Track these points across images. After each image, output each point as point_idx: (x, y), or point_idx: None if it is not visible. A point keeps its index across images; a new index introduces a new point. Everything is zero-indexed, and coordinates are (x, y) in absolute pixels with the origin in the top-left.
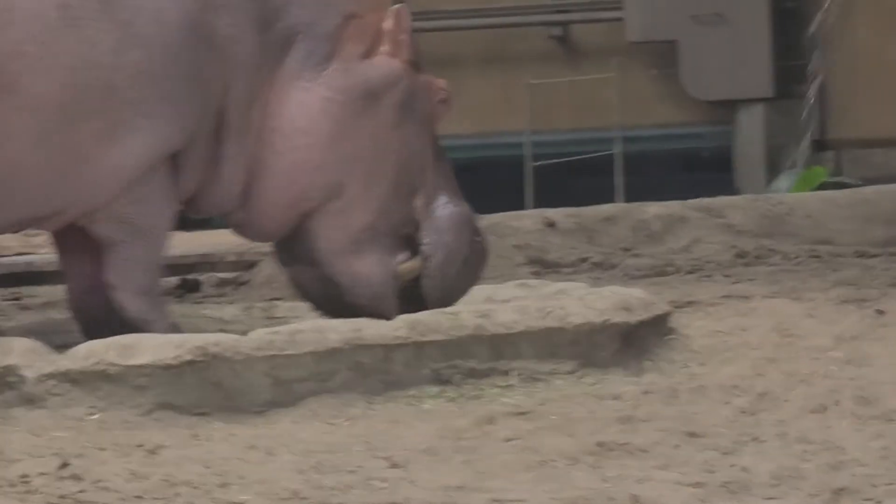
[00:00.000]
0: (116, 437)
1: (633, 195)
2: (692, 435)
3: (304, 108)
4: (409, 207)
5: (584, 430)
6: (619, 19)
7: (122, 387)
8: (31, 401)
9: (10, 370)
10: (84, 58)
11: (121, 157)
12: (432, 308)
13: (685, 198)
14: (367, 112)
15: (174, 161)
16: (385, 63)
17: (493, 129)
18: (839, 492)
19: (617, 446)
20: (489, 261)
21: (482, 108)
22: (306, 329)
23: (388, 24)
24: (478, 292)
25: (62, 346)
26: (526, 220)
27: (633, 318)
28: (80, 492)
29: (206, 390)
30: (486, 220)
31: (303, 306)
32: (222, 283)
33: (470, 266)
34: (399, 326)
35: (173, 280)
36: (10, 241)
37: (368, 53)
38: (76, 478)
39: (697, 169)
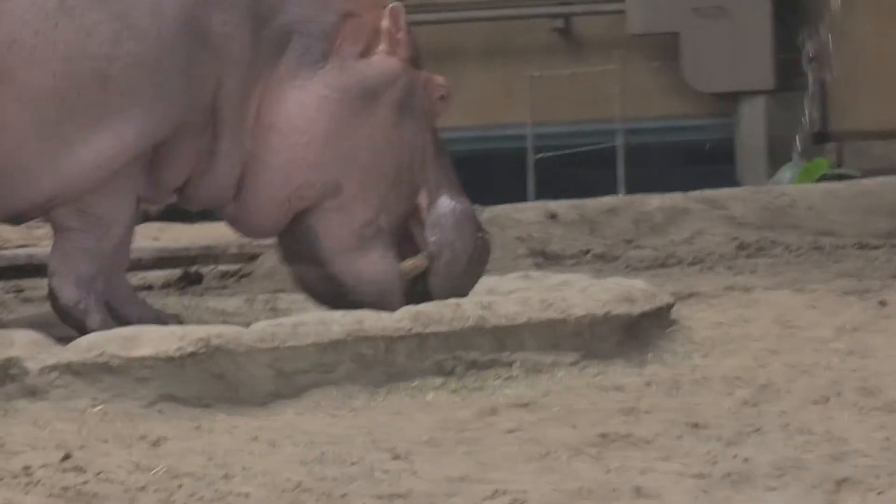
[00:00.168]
0: (119, 428)
1: (634, 187)
2: (695, 426)
3: (301, 106)
4: (411, 205)
5: (587, 421)
6: (620, 12)
7: (125, 379)
8: (33, 393)
9: (12, 362)
10: (80, 48)
11: (112, 146)
12: None
13: (687, 190)
14: (365, 110)
15: (156, 153)
16: (382, 61)
17: (494, 121)
18: (841, 483)
19: (619, 437)
20: (491, 252)
21: (484, 101)
22: (309, 321)
23: (385, 22)
24: (480, 284)
25: (64, 339)
26: (528, 212)
27: (636, 309)
28: (83, 483)
29: (208, 382)
30: (489, 212)
31: (305, 298)
32: (225, 275)
33: (474, 263)
34: (401, 318)
35: (176, 272)
36: (11, 233)
37: (366, 52)
38: (79, 469)
39: (699, 161)
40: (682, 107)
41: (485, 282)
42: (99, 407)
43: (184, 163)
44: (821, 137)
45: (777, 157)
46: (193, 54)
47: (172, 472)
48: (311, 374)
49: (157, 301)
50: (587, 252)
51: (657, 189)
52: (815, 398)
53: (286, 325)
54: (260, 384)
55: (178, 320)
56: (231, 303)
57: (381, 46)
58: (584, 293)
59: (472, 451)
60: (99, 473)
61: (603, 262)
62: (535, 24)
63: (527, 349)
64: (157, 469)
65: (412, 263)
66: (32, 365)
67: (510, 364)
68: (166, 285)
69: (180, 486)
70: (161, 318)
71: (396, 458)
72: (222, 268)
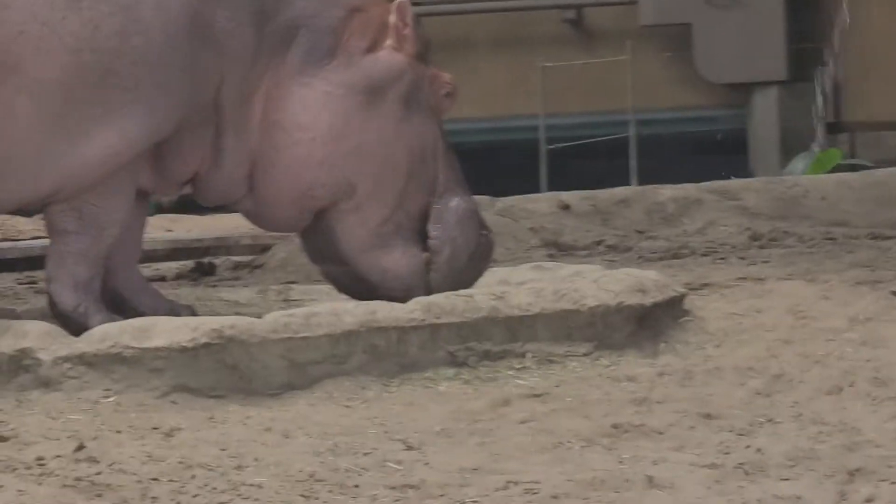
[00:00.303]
0: (132, 419)
1: (647, 178)
2: (707, 416)
3: (306, 103)
4: (427, 199)
5: (599, 411)
6: (632, 2)
7: (138, 369)
8: (46, 384)
9: (25, 353)
10: (87, 41)
11: (115, 141)
12: None
13: (699, 181)
14: (371, 107)
15: (161, 148)
16: (389, 57)
17: (506, 112)
18: (854, 473)
19: (632, 428)
20: (504, 243)
21: (495, 92)
22: (322, 312)
23: (392, 17)
24: (492, 275)
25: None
26: (540, 203)
27: (648, 300)
28: (96, 474)
29: (221, 373)
30: (501, 203)
31: (318, 289)
32: (237, 266)
33: (476, 260)
34: (414, 309)
35: (189, 263)
36: (25, 224)
37: (372, 47)
38: (92, 460)
39: (712, 152)
40: (694, 98)
41: (497, 272)
42: (112, 398)
43: (188, 158)
44: (834, 128)
45: (790, 147)
46: (197, 50)
47: (185, 463)
48: (324, 364)
49: (170, 292)
50: (600, 243)
51: (669, 180)
52: (827, 388)
53: (299, 315)
54: (273, 375)
55: (192, 311)
56: (244, 294)
57: (388, 42)
58: (597, 284)
59: (484, 442)
60: (112, 464)
61: (615, 252)
62: (546, 15)
63: (539, 340)
64: (170, 460)
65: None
66: (46, 356)
67: (523, 355)
68: (179, 276)
69: (193, 476)
70: (174, 309)
71: (409, 448)
72: (235, 259)
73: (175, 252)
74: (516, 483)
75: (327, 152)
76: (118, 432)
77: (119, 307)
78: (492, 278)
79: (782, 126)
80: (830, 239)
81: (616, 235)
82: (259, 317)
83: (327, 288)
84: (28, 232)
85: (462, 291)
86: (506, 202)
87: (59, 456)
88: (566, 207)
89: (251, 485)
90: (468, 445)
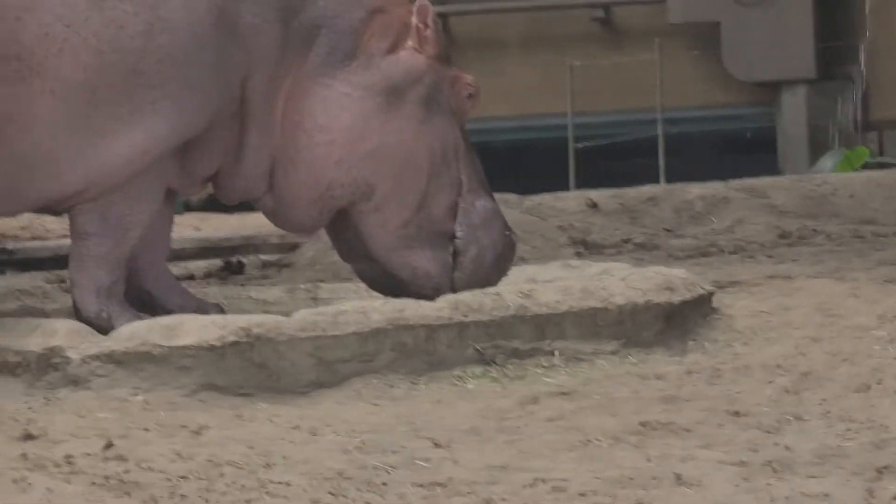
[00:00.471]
0: (160, 417)
1: (675, 177)
2: (735, 414)
3: (325, 103)
4: (451, 200)
5: (628, 409)
6: (661, 1)
7: (166, 368)
8: (75, 382)
9: (54, 351)
10: (111, 41)
11: (142, 140)
12: None
13: (728, 179)
14: (391, 108)
15: (186, 145)
16: (409, 58)
17: (535, 111)
18: (882, 470)
19: (660, 426)
20: (532, 241)
21: (524, 91)
22: (350, 310)
23: (413, 18)
24: (521, 273)
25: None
26: (569, 202)
27: (676, 298)
28: (125, 472)
29: (249, 371)
30: (530, 202)
31: (346, 287)
32: (266, 265)
33: (500, 260)
34: (442, 307)
35: (217, 262)
36: (54, 224)
37: (393, 48)
38: (120, 458)
39: (740, 150)
40: (722, 96)
41: (525, 270)
42: (140, 396)
43: (213, 154)
44: (862, 126)
45: (818, 145)
46: (223, 47)
47: (214, 461)
48: (352, 362)
49: (198, 291)
50: (628, 241)
51: (697, 179)
52: (856, 386)
53: (327, 314)
54: (301, 373)
55: (220, 309)
56: (272, 292)
57: (409, 43)
58: (625, 282)
59: (512, 440)
60: (140, 462)
61: (643, 251)
62: (575, 14)
63: (567, 338)
64: (199, 458)
65: None
66: (74, 354)
67: (551, 353)
68: (208, 275)
69: (221, 474)
70: (202, 308)
71: (437, 446)
72: (263, 258)
73: (204, 251)
74: (544, 481)
75: (346, 153)
76: (146, 430)
77: (148, 305)
78: (520, 276)
79: (811, 124)
80: (859, 237)
81: (644, 234)
82: (287, 315)
83: (356, 286)
84: (57, 231)
85: (490, 289)
86: (534, 200)
87: (87, 454)
88: (594, 206)
89: (279, 483)
90: (496, 443)
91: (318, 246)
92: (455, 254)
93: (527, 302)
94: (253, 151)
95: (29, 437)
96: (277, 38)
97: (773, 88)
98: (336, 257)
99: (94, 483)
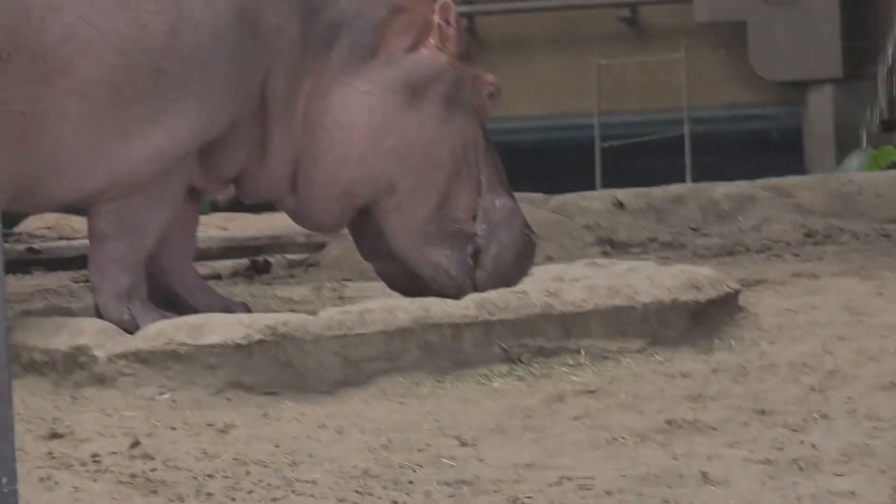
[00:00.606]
0: (187, 416)
1: (701, 176)
2: (761, 412)
3: (345, 102)
4: (471, 198)
5: (654, 407)
6: (687, 0)
7: (193, 366)
8: (101, 381)
9: (81, 350)
10: (135, 40)
11: (165, 140)
12: None
13: (754, 179)
14: (411, 106)
15: (208, 145)
16: (430, 56)
17: (561, 110)
18: None
19: (686, 424)
20: (558, 240)
21: (551, 90)
22: (376, 308)
23: (435, 16)
24: (547, 272)
25: None
26: (595, 201)
27: (702, 296)
28: (152, 471)
29: (276, 370)
30: (556, 201)
31: (372, 286)
32: (292, 264)
33: (521, 259)
34: (468, 305)
35: (244, 261)
36: (80, 223)
37: (415, 46)
38: (147, 457)
39: (766, 150)
40: (749, 95)
41: (552, 269)
42: (167, 394)
43: (235, 155)
44: (889, 125)
45: (845, 145)
46: (245, 47)
47: (240, 460)
48: (378, 361)
49: (225, 290)
50: (654, 240)
51: (724, 178)
52: (882, 384)
53: (353, 312)
54: (327, 372)
55: (246, 308)
56: (298, 291)
57: (431, 41)
58: (651, 280)
59: (538, 438)
60: (167, 461)
61: (670, 250)
62: (601, 13)
63: (593, 336)
64: (225, 456)
65: None
66: (101, 353)
67: (577, 351)
68: (234, 274)
69: (248, 472)
70: (229, 306)
71: (463, 444)
72: (290, 257)
73: (230, 250)
74: (570, 479)
75: (367, 151)
76: (173, 429)
77: (174, 304)
78: (546, 275)
79: (837, 123)
80: (885, 236)
81: (670, 233)
82: (313, 314)
83: (381, 285)
84: (83, 231)
85: (516, 288)
86: (560, 199)
87: (114, 452)
88: (620, 205)
89: (305, 481)
90: (522, 441)
91: (344, 245)
92: (476, 252)
93: (553, 300)
94: (274, 151)
95: (55, 435)
96: (298, 38)
97: (799, 88)
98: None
99: (120, 482)
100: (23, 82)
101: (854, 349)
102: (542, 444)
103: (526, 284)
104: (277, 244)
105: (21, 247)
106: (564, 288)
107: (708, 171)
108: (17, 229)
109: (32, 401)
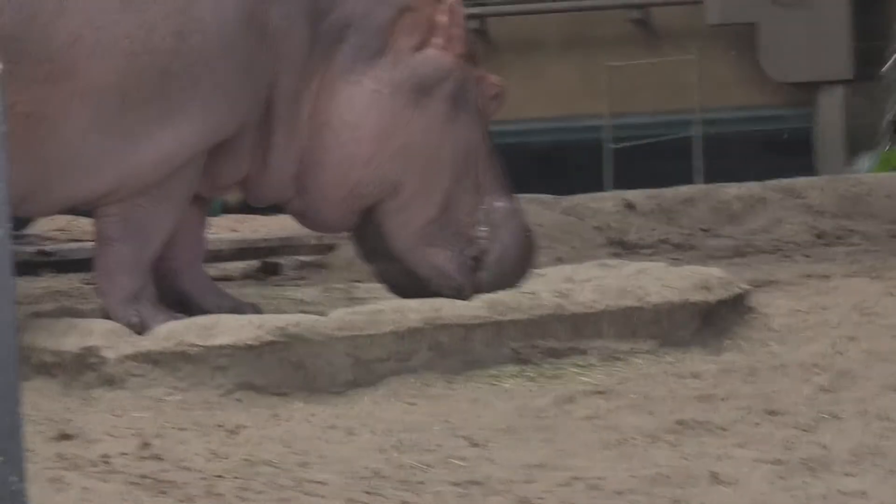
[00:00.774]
0: (197, 417)
1: (712, 177)
2: (772, 413)
3: (352, 102)
4: (474, 199)
5: (664, 408)
6: (698, 2)
7: (203, 367)
8: (111, 381)
9: (90, 351)
10: (142, 43)
11: (173, 142)
12: None
13: (764, 180)
14: (417, 106)
15: (214, 149)
16: (436, 56)
17: (572, 111)
18: None
19: (696, 424)
20: (569, 241)
21: (562, 92)
22: (386, 309)
23: (442, 17)
24: (557, 272)
25: None
26: (606, 202)
27: (713, 297)
28: (161, 471)
29: (286, 370)
30: (567, 202)
31: (382, 288)
32: (303, 265)
33: (523, 260)
34: (478, 306)
35: (255, 263)
36: (90, 226)
37: (421, 46)
38: (157, 458)
39: (777, 151)
40: (760, 97)
41: (562, 270)
42: (177, 395)
43: (241, 158)
44: None
45: (855, 146)
46: (253, 50)
47: (250, 460)
48: (389, 362)
49: (236, 291)
50: (665, 241)
51: (734, 179)
52: (892, 385)
53: (363, 313)
54: (337, 372)
55: (256, 309)
56: (309, 292)
57: (436, 41)
58: (661, 281)
59: (549, 439)
60: (177, 461)
61: (680, 251)
62: (612, 15)
63: (604, 337)
64: (235, 457)
65: None
66: (110, 354)
67: (587, 352)
68: (245, 276)
69: (258, 473)
70: (239, 307)
71: (474, 445)
72: (300, 258)
73: (241, 252)
74: (580, 479)
75: (374, 151)
76: (183, 430)
77: (184, 306)
78: (557, 276)
79: (848, 125)
80: (895, 236)
81: (681, 234)
82: (324, 315)
83: None
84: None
85: (526, 289)
86: (571, 201)
87: (123, 453)
88: (631, 206)
89: (315, 482)
90: (532, 442)
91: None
92: (478, 255)
93: (563, 301)
94: (281, 154)
95: (65, 436)
96: (306, 41)
97: (810, 89)
98: None
99: (130, 482)
100: (30, 85)
101: (864, 349)
102: (553, 444)
103: (536, 285)
104: (289, 246)
105: (32, 249)
106: (575, 289)
107: (718, 173)
108: (27, 231)
109: (42, 402)
